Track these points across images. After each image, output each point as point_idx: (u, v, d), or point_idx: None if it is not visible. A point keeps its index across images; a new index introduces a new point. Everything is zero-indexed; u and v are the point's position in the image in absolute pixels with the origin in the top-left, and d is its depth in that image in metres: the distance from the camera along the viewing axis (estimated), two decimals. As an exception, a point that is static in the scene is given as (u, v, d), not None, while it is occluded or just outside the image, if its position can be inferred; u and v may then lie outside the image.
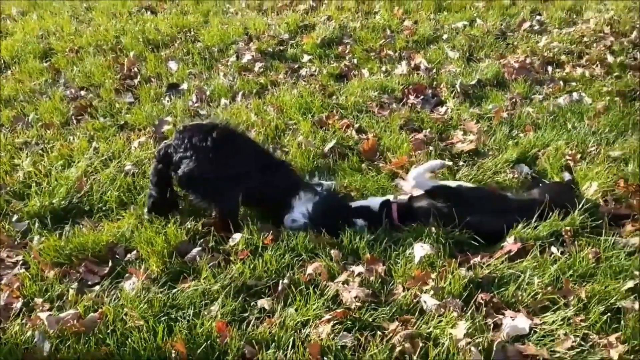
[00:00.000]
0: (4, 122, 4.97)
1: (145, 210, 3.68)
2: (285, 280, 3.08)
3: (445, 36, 6.28)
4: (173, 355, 2.68)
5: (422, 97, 5.08)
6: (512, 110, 4.81)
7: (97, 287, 3.15)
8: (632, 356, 2.57)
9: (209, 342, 2.72)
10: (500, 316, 2.82)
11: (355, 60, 5.86)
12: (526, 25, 6.46)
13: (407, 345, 2.65)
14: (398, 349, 2.64)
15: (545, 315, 2.82)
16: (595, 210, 3.47)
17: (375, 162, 4.21)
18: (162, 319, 2.86)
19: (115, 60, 6.09)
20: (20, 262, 3.37)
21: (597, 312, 2.77)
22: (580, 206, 3.40)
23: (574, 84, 5.21)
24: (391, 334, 2.72)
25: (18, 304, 3.03)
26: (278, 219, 3.58)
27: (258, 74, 5.67)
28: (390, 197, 3.59)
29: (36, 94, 5.47)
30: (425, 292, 2.96)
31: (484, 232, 3.36)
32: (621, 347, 2.59)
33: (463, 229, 3.34)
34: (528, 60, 5.60)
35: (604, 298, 2.86)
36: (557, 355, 2.59)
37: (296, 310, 2.91)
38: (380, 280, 3.08)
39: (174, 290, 3.06)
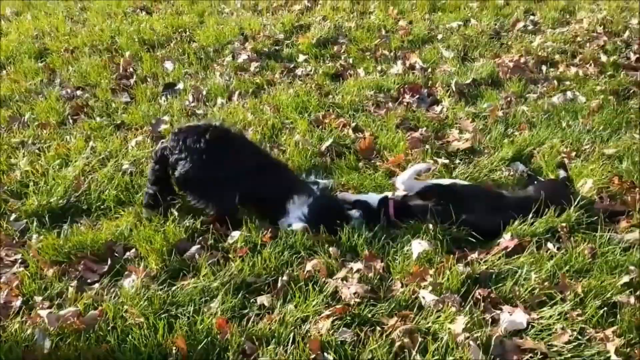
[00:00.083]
0: (0, 122, 4.96)
1: (144, 208, 3.69)
2: (285, 277, 3.10)
3: (440, 36, 6.32)
4: (174, 351, 2.70)
5: (417, 96, 5.11)
6: (507, 109, 4.85)
7: (96, 285, 3.17)
8: (628, 349, 2.60)
9: (209, 338, 2.74)
10: (498, 311, 2.85)
11: (350, 60, 5.89)
12: (520, 25, 6.51)
13: (406, 340, 2.68)
14: (397, 344, 2.66)
15: (542, 310, 2.85)
16: (591, 207, 3.51)
17: (372, 161, 4.23)
18: (163, 316, 2.87)
19: (110, 60, 6.09)
20: (19, 261, 3.38)
21: (594, 306, 2.80)
22: (575, 203, 3.43)
23: (568, 83, 5.25)
24: (390, 329, 2.74)
25: (17, 302, 3.03)
26: (275, 219, 3.59)
27: (254, 74, 5.68)
28: (389, 194, 3.60)
29: (32, 94, 5.46)
30: (423, 288, 2.98)
31: (479, 230, 3.39)
32: (617, 340, 2.63)
33: (460, 226, 3.36)
34: (522, 60, 5.64)
35: (600, 293, 2.89)
36: (555, 349, 2.62)
37: (296, 306, 2.93)
38: (378, 276, 3.11)
39: (174, 288, 3.08)
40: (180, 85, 5.48)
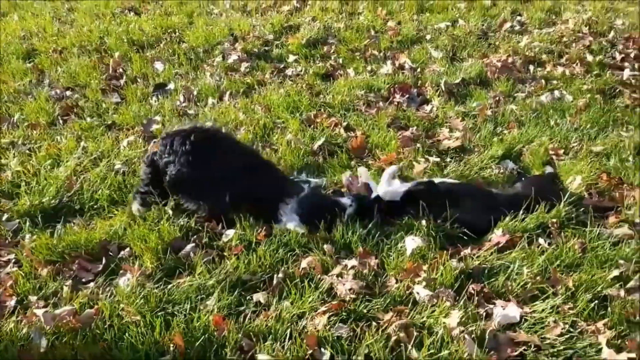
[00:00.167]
0: (-11, 122, 4.94)
1: (134, 205, 3.73)
2: (280, 275, 3.12)
3: (428, 36, 6.37)
4: (171, 348, 2.70)
5: (407, 95, 5.15)
6: (496, 108, 4.91)
7: (91, 284, 3.17)
8: (619, 341, 2.65)
9: (206, 335, 2.76)
10: (491, 305, 2.90)
11: (340, 60, 5.92)
12: (507, 25, 6.58)
13: (402, 334, 2.71)
14: (393, 338, 2.70)
15: (534, 304, 2.90)
16: (580, 203, 3.57)
17: (364, 159, 4.26)
18: (159, 314, 2.89)
19: (100, 60, 6.08)
20: (13, 261, 3.36)
21: (585, 300, 2.86)
22: (565, 199, 3.49)
23: (555, 82, 5.33)
24: (386, 324, 2.78)
25: (12, 302, 3.03)
26: (268, 219, 3.60)
27: (244, 74, 5.70)
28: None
29: (21, 95, 5.44)
30: (417, 284, 3.02)
31: (470, 227, 3.43)
32: (608, 332, 2.68)
33: (452, 223, 3.40)
34: (510, 60, 5.71)
35: (591, 286, 2.95)
36: (548, 341, 2.67)
37: (292, 303, 2.96)
38: (373, 273, 3.14)
39: (170, 286, 3.09)
40: (171, 86, 5.48)
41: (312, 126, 4.65)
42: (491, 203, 3.53)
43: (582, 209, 3.50)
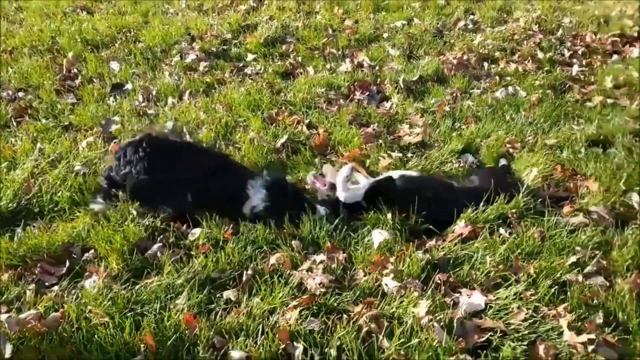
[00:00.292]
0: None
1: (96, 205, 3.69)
2: (249, 271, 3.13)
3: (385, 35, 6.47)
4: (142, 349, 2.68)
5: (367, 93, 5.22)
6: (453, 104, 5.03)
7: (55, 288, 3.10)
8: (579, 323, 2.77)
9: (177, 334, 2.75)
10: (457, 294, 2.98)
11: (299, 59, 5.95)
12: (461, 24, 6.74)
13: (372, 325, 2.76)
14: (364, 329, 2.75)
15: (498, 291, 3.00)
16: (537, 194, 3.69)
17: (328, 156, 4.30)
18: (128, 314, 2.85)
19: (53, 60, 5.92)
20: (-29, 266, 3.26)
21: (545, 286, 2.97)
22: (523, 190, 3.61)
23: (508, 78, 5.49)
24: (357, 316, 2.82)
25: (-28, 308, 2.93)
26: (234, 214, 3.60)
27: (203, 73, 5.66)
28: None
29: (-30, 97, 5.25)
30: (385, 276, 3.08)
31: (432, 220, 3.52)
32: (569, 316, 2.80)
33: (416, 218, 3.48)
34: (465, 57, 5.86)
35: (551, 273, 3.07)
36: (512, 327, 2.77)
37: (262, 299, 2.97)
38: (342, 267, 3.18)
39: (137, 286, 3.06)
40: (129, 86, 5.39)
41: (274, 124, 4.66)
42: (452, 196, 3.61)
43: (540, 199, 3.63)
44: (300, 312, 2.85)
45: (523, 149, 4.28)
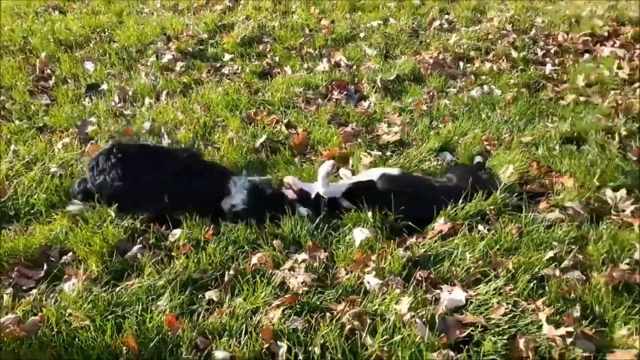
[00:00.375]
0: None
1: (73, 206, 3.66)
2: (231, 272, 3.13)
3: (362, 34, 6.49)
4: (124, 351, 2.66)
5: (345, 92, 5.24)
6: (430, 102, 5.07)
7: (34, 291, 3.05)
8: (558, 317, 2.83)
9: (160, 335, 2.73)
10: (438, 290, 3.02)
11: (277, 58, 5.95)
12: (436, 23, 6.80)
13: (355, 323, 2.78)
14: (348, 327, 2.76)
15: (478, 287, 3.04)
16: (514, 190, 3.76)
17: (307, 155, 4.31)
18: (109, 317, 2.82)
19: (25, 61, 5.82)
20: (-54, 271, 3.19)
21: (524, 280, 3.02)
22: (500, 187, 3.66)
23: (484, 77, 5.56)
24: (340, 314, 2.84)
25: (-52, 314, 2.87)
26: (213, 213, 3.60)
27: (180, 74, 5.62)
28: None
29: (-60, 98, 5.14)
30: (367, 273, 3.10)
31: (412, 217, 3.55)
32: (547, 310, 2.85)
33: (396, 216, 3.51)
34: (441, 57, 5.91)
35: (529, 268, 3.12)
36: (493, 321, 2.81)
37: (245, 299, 2.97)
38: (323, 265, 3.20)
39: (118, 289, 3.03)
40: (104, 86, 5.33)
41: (253, 124, 4.65)
42: (433, 194, 3.65)
43: (517, 195, 3.69)
44: (283, 311, 2.86)
45: (499, 147, 4.34)
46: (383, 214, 3.51)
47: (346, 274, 3.14)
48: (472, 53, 6.07)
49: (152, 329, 2.76)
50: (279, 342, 2.70)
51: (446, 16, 7.09)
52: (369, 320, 2.79)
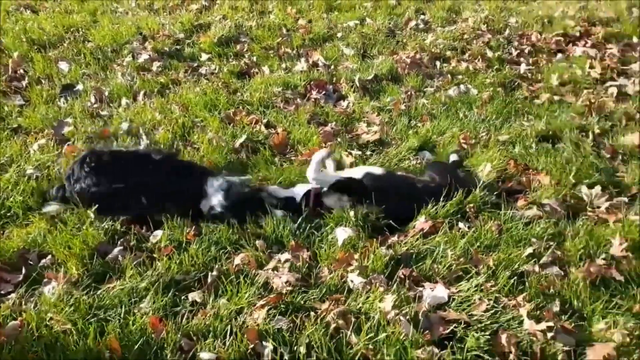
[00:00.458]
0: None
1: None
2: (214, 272, 3.12)
3: (339, 34, 6.51)
4: (107, 354, 2.63)
5: (324, 92, 5.25)
6: (408, 102, 5.11)
7: (12, 295, 3.00)
8: (538, 312, 2.88)
9: (144, 338, 2.71)
10: (421, 288, 3.04)
11: (254, 58, 5.94)
12: (412, 24, 6.85)
13: (340, 321, 2.80)
14: (332, 326, 2.78)
15: (460, 283, 3.08)
16: (493, 188, 3.81)
17: (287, 155, 4.31)
18: (91, 320, 2.79)
19: (-3, 61, 5.71)
20: None
21: (505, 277, 3.08)
22: (479, 185, 3.71)
23: (460, 76, 5.62)
24: (324, 313, 2.85)
25: None
26: (192, 213, 3.58)
27: (157, 73, 5.56)
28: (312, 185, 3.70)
29: None
30: (351, 272, 3.12)
31: (394, 216, 3.58)
32: (528, 305, 2.91)
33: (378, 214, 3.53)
34: (418, 56, 5.96)
35: (509, 264, 3.17)
36: (475, 318, 2.85)
37: (228, 299, 2.96)
38: (307, 265, 3.20)
39: (99, 291, 3.00)
40: (80, 87, 5.25)
41: (232, 124, 4.64)
42: (416, 192, 3.67)
43: (495, 193, 3.75)
44: (268, 311, 2.86)
45: (477, 145, 4.39)
46: (365, 213, 3.53)
47: (329, 273, 3.15)
48: (448, 53, 6.13)
49: (135, 331, 2.74)
50: (264, 342, 2.70)
51: (422, 16, 7.15)
52: (353, 319, 2.81)
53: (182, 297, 2.99)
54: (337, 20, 6.91)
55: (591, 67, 5.68)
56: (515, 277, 3.09)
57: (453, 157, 4.26)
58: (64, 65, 5.65)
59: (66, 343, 2.65)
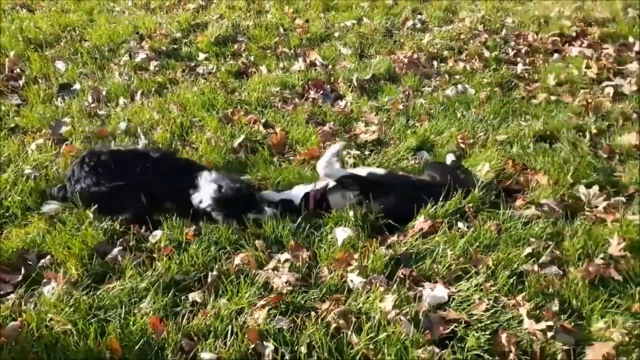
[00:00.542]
0: None
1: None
2: (214, 272, 3.12)
3: (336, 34, 6.51)
4: (108, 355, 2.62)
5: (322, 92, 5.25)
6: (406, 102, 5.12)
7: (12, 295, 2.99)
8: (537, 312, 2.89)
9: (144, 338, 2.71)
10: (421, 288, 3.05)
11: (252, 58, 5.93)
12: (409, 23, 6.86)
13: (341, 321, 2.80)
14: (333, 326, 2.78)
15: (460, 283, 3.09)
16: (491, 188, 3.82)
17: (286, 155, 4.31)
18: (92, 320, 2.79)
19: (-7, 60, 5.69)
20: None
21: (504, 276, 3.09)
22: (478, 185, 3.72)
23: (457, 76, 5.63)
24: (325, 313, 2.85)
25: None
26: (193, 211, 3.58)
27: (154, 73, 5.55)
28: (311, 187, 3.69)
29: None
30: (350, 272, 3.12)
31: (396, 216, 3.58)
32: (527, 305, 2.92)
33: (379, 214, 3.53)
34: (415, 56, 5.97)
35: (508, 264, 3.19)
36: (475, 317, 2.86)
37: (229, 299, 2.96)
38: (307, 265, 3.21)
39: (99, 292, 3.00)
40: (77, 86, 5.23)
41: (231, 124, 4.63)
42: (414, 192, 3.68)
43: (494, 193, 3.76)
44: (269, 311, 2.86)
45: (475, 145, 4.40)
46: (364, 212, 3.53)
47: (329, 273, 3.15)
48: (446, 53, 6.15)
49: (136, 331, 2.73)
50: (265, 343, 2.71)
51: (419, 16, 7.16)
52: (354, 319, 2.81)
53: (183, 297, 2.99)
54: (334, 20, 6.91)
55: (587, 67, 5.69)
56: (515, 277, 3.10)
57: (450, 157, 4.26)
58: (60, 65, 5.63)
59: (66, 343, 2.64)
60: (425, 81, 5.55)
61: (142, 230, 3.48)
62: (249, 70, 5.67)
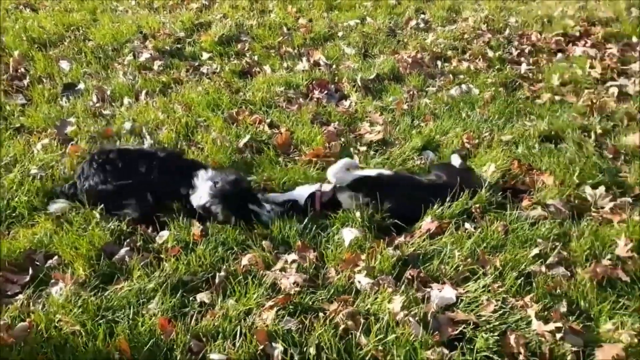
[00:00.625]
0: None
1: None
2: (222, 273, 3.12)
3: (340, 34, 6.51)
4: (117, 356, 2.63)
5: (326, 91, 5.25)
6: (411, 102, 5.11)
7: (20, 296, 2.99)
8: (546, 313, 2.89)
9: (153, 339, 2.71)
10: (429, 289, 3.05)
11: (256, 57, 5.93)
12: (412, 23, 6.86)
13: (349, 323, 2.80)
14: (342, 327, 2.78)
15: (467, 284, 3.09)
16: (497, 188, 3.82)
17: (291, 155, 4.31)
18: (100, 321, 2.79)
19: (-3, 60, 5.68)
20: None
21: (512, 277, 3.09)
22: (485, 185, 3.72)
23: (462, 76, 5.63)
24: (333, 314, 2.85)
25: None
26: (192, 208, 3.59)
27: (159, 72, 5.55)
28: (317, 188, 3.69)
29: None
30: (358, 273, 3.12)
31: (404, 216, 3.58)
32: (535, 306, 2.92)
33: (386, 214, 3.53)
34: (419, 56, 5.97)
35: (516, 265, 3.19)
36: (483, 318, 2.86)
37: (237, 300, 2.96)
38: (314, 265, 3.21)
39: (107, 292, 2.99)
40: (81, 86, 5.23)
41: (236, 124, 4.63)
42: (421, 193, 3.67)
43: (500, 193, 3.76)
44: (277, 312, 2.86)
45: (481, 145, 4.40)
46: (371, 213, 3.53)
47: (337, 274, 3.15)
48: (449, 52, 6.15)
49: (144, 332, 2.74)
50: (273, 344, 2.71)
51: (422, 16, 7.16)
52: (362, 320, 2.81)
53: (191, 298, 2.99)
54: (337, 20, 6.91)
55: (591, 67, 5.70)
56: (522, 278, 3.11)
57: (455, 157, 4.26)
58: (64, 64, 5.62)
59: (75, 344, 2.64)
60: (429, 81, 5.55)
61: (149, 231, 3.48)
62: (253, 70, 5.67)
